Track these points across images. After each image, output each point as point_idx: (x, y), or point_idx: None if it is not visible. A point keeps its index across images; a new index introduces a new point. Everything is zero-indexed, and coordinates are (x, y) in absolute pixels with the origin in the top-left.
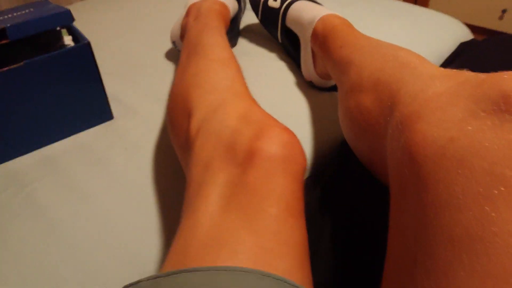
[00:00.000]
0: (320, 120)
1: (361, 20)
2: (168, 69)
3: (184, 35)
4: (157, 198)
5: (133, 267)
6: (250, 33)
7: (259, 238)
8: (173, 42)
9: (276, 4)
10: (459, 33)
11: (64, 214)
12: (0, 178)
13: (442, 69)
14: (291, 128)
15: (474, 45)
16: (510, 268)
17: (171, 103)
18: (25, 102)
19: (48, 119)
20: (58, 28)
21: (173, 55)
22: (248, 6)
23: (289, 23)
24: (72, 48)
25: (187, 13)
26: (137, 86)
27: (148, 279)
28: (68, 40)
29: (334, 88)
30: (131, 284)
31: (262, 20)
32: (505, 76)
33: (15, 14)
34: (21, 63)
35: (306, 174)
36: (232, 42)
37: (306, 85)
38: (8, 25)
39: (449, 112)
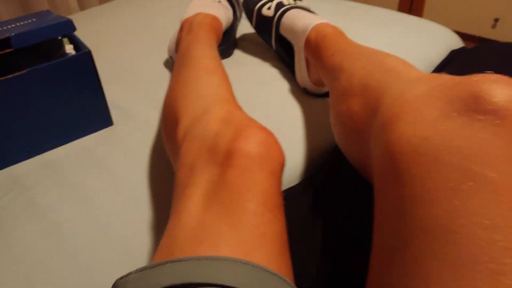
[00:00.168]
0: (313, 125)
1: (354, 29)
2: (165, 76)
3: (178, 49)
4: (154, 200)
5: (132, 267)
6: (246, 42)
7: (238, 231)
8: (170, 57)
9: (270, 13)
10: (450, 41)
11: (65, 216)
12: (2, 182)
13: (423, 73)
14: (286, 133)
15: (464, 52)
16: (477, 256)
17: (163, 112)
18: (27, 108)
19: (50, 125)
20: (59, 37)
21: (171, 63)
22: (244, 14)
23: (283, 31)
24: (74, 56)
25: (181, 28)
26: (136, 93)
27: (137, 271)
28: (69, 48)
29: (327, 95)
30: (122, 277)
31: (256, 28)
32: (476, 78)
33: (18, 24)
34: (24, 71)
35: (300, 178)
36: (229, 51)
37: (301, 92)
38: (12, 34)
39: (425, 113)
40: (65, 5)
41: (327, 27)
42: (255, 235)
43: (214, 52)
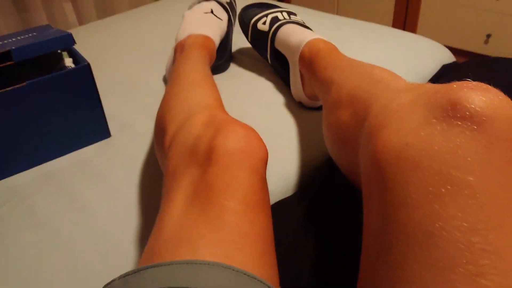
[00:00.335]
0: (308, 138)
1: (349, 43)
2: (162, 89)
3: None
4: (151, 210)
5: None
6: (242, 55)
7: (218, 231)
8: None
9: (265, 28)
10: (442, 56)
11: (63, 225)
12: (1, 192)
13: (409, 83)
14: (281, 145)
15: (455, 67)
16: (456, 258)
17: (154, 126)
18: (27, 119)
19: (49, 137)
20: (59, 51)
21: (167, 77)
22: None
23: (278, 46)
24: (73, 69)
25: (175, 51)
26: (133, 105)
27: (120, 277)
28: (68, 62)
29: (321, 108)
30: (106, 285)
31: (252, 42)
32: (454, 86)
33: (19, 37)
34: (24, 83)
35: (294, 189)
36: (225, 66)
37: (295, 105)
38: (13, 47)
39: (408, 120)
40: (64, 20)
41: (320, 42)
42: (235, 235)
43: (202, 66)
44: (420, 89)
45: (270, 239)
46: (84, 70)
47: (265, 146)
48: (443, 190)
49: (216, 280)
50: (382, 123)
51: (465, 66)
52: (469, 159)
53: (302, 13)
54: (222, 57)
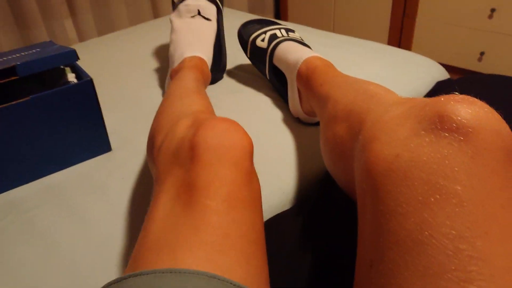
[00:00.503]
0: (305, 153)
1: (346, 61)
2: None
3: None
4: None
5: None
6: (241, 71)
7: (200, 233)
8: None
9: (263, 44)
10: (436, 73)
11: (63, 239)
12: (1, 205)
13: (401, 97)
14: (279, 160)
15: (449, 83)
16: (445, 265)
17: (146, 144)
18: (30, 133)
19: (51, 150)
20: (62, 66)
21: None
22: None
23: (276, 62)
24: (76, 84)
25: (171, 77)
26: (134, 120)
27: (104, 287)
28: (71, 77)
29: (319, 124)
30: None
31: (251, 58)
32: (442, 99)
33: (23, 53)
34: (28, 98)
35: (292, 203)
36: (220, 75)
37: (293, 120)
38: (18, 63)
39: (398, 132)
40: (64, 36)
41: (317, 60)
42: (218, 236)
43: (195, 83)
44: (410, 102)
45: (257, 239)
46: (87, 85)
47: (248, 137)
48: (432, 199)
49: None
50: (374, 135)
51: (459, 82)
52: (456, 169)
53: (300, 31)
54: (215, 68)
